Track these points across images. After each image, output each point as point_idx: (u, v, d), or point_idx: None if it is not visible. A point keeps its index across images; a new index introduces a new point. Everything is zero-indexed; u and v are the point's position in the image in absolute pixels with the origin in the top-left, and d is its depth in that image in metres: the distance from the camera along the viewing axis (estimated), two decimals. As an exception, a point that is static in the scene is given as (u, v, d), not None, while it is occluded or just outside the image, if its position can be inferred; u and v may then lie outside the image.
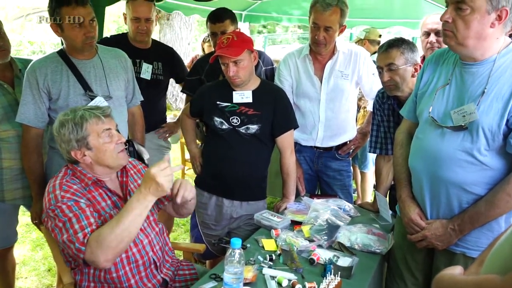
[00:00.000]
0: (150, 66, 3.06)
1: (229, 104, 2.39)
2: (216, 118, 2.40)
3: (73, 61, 2.34)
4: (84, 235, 1.60)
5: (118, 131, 1.89)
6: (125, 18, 3.02)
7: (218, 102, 2.41)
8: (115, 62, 2.49)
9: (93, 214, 1.68)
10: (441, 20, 1.66)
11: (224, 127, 2.39)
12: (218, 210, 2.50)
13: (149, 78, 3.06)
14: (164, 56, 3.18)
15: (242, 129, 2.37)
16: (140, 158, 2.47)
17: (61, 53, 2.36)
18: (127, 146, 2.45)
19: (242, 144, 2.38)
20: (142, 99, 2.73)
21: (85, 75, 2.34)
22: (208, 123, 2.46)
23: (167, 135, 3.35)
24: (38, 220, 2.39)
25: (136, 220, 1.62)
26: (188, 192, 1.80)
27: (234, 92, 2.39)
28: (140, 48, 3.05)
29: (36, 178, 2.40)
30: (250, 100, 2.38)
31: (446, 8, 1.64)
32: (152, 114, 3.18)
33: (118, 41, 3.02)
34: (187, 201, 1.87)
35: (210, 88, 2.54)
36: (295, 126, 2.52)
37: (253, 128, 2.37)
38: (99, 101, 2.32)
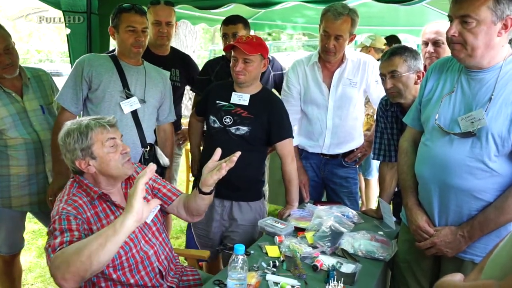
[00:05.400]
0: (168, 73, 3.11)
1: (226, 103, 2.44)
2: (211, 117, 2.45)
3: (120, 63, 2.54)
4: (53, 251, 1.49)
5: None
6: None
7: (217, 101, 2.46)
8: (156, 76, 2.65)
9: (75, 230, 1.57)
10: (447, 35, 1.66)
11: (215, 125, 2.42)
12: (209, 209, 2.47)
13: None
14: (182, 63, 3.25)
15: (232, 129, 2.39)
16: (157, 163, 2.54)
17: (112, 55, 2.59)
18: (146, 149, 2.54)
19: (229, 144, 2.30)
20: (176, 118, 2.83)
21: (127, 75, 2.52)
22: (206, 122, 2.51)
23: (181, 142, 3.38)
24: (53, 197, 2.40)
25: (104, 247, 1.37)
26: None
27: (233, 93, 2.43)
28: (159, 55, 3.11)
29: (59, 156, 2.45)
30: (246, 103, 2.41)
31: (449, 22, 1.65)
32: None
33: None
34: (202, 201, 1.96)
35: (214, 87, 2.59)
36: (290, 136, 2.51)
37: (243, 129, 2.39)
38: (133, 101, 2.49)
